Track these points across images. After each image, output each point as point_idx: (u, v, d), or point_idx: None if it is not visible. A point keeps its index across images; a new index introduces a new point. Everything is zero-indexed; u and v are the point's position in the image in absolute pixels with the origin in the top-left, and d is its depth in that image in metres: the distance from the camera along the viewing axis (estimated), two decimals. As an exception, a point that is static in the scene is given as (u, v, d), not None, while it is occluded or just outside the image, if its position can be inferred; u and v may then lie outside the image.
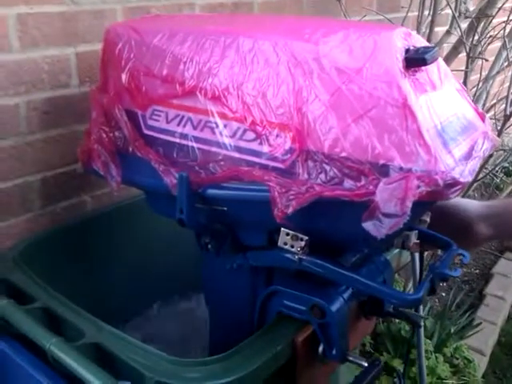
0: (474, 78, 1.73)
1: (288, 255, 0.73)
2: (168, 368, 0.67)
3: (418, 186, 0.58)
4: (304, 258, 0.72)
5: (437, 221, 0.83)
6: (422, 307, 1.21)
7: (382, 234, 0.59)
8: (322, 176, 0.64)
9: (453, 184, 0.61)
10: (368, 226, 0.59)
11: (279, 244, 0.73)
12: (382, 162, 0.61)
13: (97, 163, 0.86)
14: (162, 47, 0.79)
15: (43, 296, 0.82)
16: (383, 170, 0.61)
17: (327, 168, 0.64)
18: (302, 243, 0.71)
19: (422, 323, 1.28)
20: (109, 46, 0.86)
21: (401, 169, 0.60)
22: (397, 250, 0.88)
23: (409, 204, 0.57)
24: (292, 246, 0.72)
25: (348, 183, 0.63)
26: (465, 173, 0.63)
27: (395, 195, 0.58)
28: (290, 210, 0.65)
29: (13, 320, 0.76)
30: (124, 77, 0.82)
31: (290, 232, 0.71)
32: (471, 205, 0.90)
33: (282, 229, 0.71)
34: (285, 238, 0.72)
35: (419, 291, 0.70)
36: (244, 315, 0.84)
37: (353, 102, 0.64)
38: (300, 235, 0.71)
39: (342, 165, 0.63)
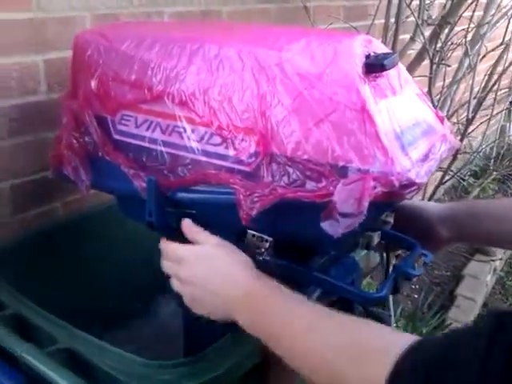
0: (438, 84, 1.77)
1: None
2: (141, 371, 0.67)
3: (375, 187, 0.60)
4: (268, 259, 0.73)
5: (402, 223, 0.85)
6: (392, 307, 1.23)
7: (338, 233, 0.60)
8: (285, 178, 0.66)
9: (408, 185, 0.63)
10: (325, 225, 0.61)
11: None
12: (341, 163, 0.63)
13: (67, 169, 0.86)
14: (130, 53, 0.80)
15: (14, 303, 0.81)
16: (342, 172, 0.63)
17: (290, 170, 0.66)
18: (267, 244, 0.72)
19: (394, 323, 1.31)
20: (78, 53, 0.86)
21: (359, 170, 0.62)
22: (364, 252, 0.90)
23: (365, 204, 0.59)
24: (257, 248, 0.73)
25: (310, 185, 0.65)
26: (421, 174, 0.65)
27: (352, 195, 0.60)
28: (254, 212, 0.66)
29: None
30: (93, 83, 0.82)
31: (256, 234, 0.73)
32: (434, 208, 0.92)
33: (248, 231, 0.73)
34: (250, 239, 0.73)
35: (382, 290, 0.72)
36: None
37: (314, 107, 0.65)
38: (265, 237, 0.72)
39: (303, 167, 0.65)
